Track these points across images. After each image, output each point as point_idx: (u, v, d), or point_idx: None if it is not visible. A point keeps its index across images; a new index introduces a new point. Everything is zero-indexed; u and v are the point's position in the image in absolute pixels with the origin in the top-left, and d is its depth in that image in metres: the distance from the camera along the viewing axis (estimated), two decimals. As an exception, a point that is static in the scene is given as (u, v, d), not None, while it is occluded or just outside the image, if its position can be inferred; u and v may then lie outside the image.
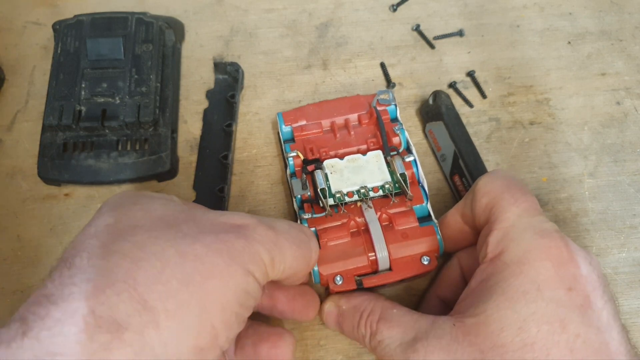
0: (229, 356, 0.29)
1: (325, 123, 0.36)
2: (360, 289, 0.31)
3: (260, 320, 0.31)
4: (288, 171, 0.35)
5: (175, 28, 0.43)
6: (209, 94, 0.42)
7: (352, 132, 0.36)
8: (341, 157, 0.35)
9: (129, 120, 0.37)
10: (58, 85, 0.38)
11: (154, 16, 0.42)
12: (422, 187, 0.34)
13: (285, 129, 0.36)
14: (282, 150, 0.37)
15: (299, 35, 0.45)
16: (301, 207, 0.34)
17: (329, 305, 0.31)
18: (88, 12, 0.41)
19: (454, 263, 0.33)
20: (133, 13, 0.41)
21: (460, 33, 0.45)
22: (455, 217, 0.32)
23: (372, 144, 0.35)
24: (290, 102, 0.42)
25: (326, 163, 0.34)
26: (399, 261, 0.31)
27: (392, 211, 0.33)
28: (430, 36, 0.44)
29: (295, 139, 0.36)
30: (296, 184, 0.34)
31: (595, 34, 0.45)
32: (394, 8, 0.46)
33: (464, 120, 0.41)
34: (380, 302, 0.29)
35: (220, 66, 0.42)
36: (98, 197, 0.38)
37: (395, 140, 0.35)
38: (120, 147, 0.38)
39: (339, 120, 0.37)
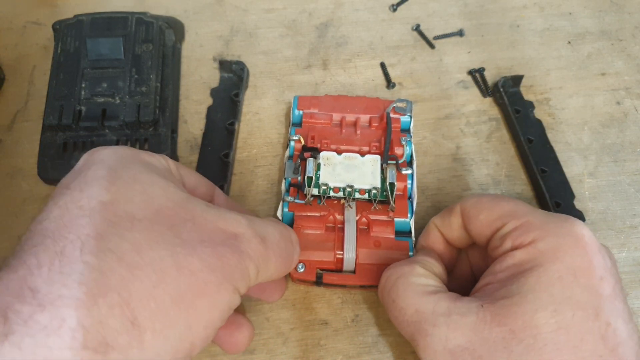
0: None
1: (336, 117, 0.37)
2: (319, 282, 0.31)
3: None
4: (287, 153, 0.36)
5: (175, 28, 0.43)
6: (213, 92, 0.41)
7: (359, 132, 0.36)
8: (340, 152, 0.35)
9: (129, 120, 0.37)
10: (58, 85, 0.38)
11: (154, 16, 0.42)
12: (411, 202, 0.34)
13: (297, 112, 0.37)
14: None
15: (299, 35, 0.45)
16: (287, 190, 0.34)
17: None
18: (88, 12, 0.41)
19: (463, 258, 0.32)
20: (133, 13, 0.41)
21: (460, 33, 0.45)
22: (437, 236, 0.32)
23: (374, 148, 0.35)
24: (290, 102, 0.42)
25: (322, 154, 0.34)
26: (364, 267, 0.31)
27: (372, 217, 0.33)
28: (430, 36, 0.44)
29: (303, 124, 0.37)
30: (289, 166, 0.34)
31: (595, 34, 0.45)
32: (394, 8, 0.46)
33: (464, 120, 0.41)
34: (409, 262, 0.29)
35: (225, 65, 0.42)
36: (98, 197, 0.38)
37: (399, 150, 0.35)
38: (120, 147, 0.38)
39: (350, 117, 0.37)
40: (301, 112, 0.37)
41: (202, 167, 0.38)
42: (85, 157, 0.26)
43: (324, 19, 0.46)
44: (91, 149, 0.26)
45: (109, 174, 0.23)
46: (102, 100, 0.38)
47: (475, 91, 0.42)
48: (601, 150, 0.40)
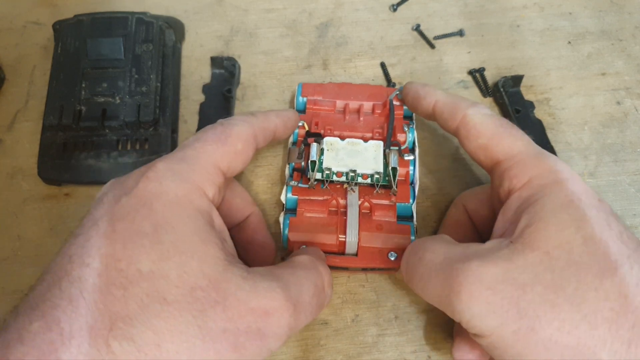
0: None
1: (340, 104, 0.37)
2: None
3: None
4: (291, 138, 0.36)
5: (175, 28, 0.43)
6: (205, 89, 0.41)
7: (362, 119, 0.37)
8: (343, 138, 0.35)
9: (129, 120, 0.37)
10: (58, 85, 0.38)
11: (154, 16, 0.42)
12: (413, 187, 0.34)
13: (301, 99, 0.38)
14: None
15: (299, 35, 0.45)
16: (291, 175, 0.35)
17: None
18: (88, 12, 0.41)
19: (459, 206, 0.33)
20: (133, 13, 0.41)
21: (460, 33, 0.45)
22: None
23: (377, 134, 0.36)
24: (290, 101, 0.42)
25: (326, 140, 0.35)
26: (366, 250, 0.32)
27: (374, 201, 0.33)
28: (430, 36, 0.44)
29: (307, 110, 0.37)
30: (293, 151, 0.35)
31: (595, 33, 0.45)
32: (394, 8, 0.46)
33: (464, 120, 0.41)
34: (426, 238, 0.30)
35: (216, 60, 0.42)
36: (98, 197, 0.38)
37: (401, 137, 0.36)
38: (120, 147, 0.38)
39: (353, 104, 0.37)
40: (305, 99, 0.38)
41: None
42: (130, 184, 0.25)
43: (324, 19, 0.46)
44: (144, 169, 0.25)
45: (153, 234, 0.23)
46: (102, 100, 0.38)
47: (475, 91, 0.42)
48: (601, 150, 0.40)
